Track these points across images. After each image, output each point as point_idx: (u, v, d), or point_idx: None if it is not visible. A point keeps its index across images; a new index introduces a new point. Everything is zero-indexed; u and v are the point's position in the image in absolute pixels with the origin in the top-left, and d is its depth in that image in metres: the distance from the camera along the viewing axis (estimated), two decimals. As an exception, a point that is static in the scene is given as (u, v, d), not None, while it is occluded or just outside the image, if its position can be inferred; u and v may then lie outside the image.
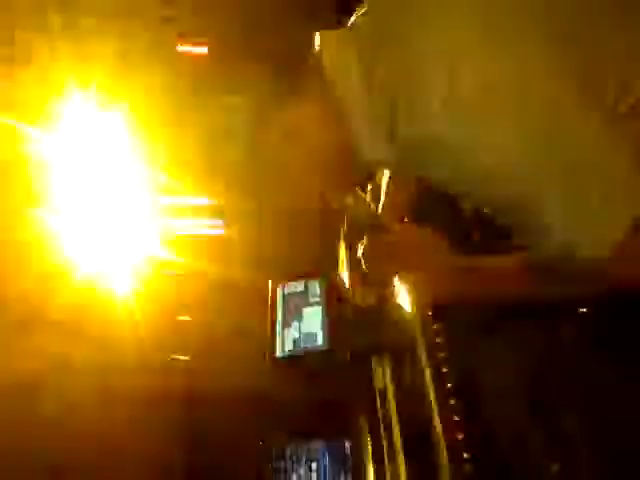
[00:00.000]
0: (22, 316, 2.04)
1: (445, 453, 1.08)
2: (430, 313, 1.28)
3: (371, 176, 1.52)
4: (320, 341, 1.67)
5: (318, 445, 1.43)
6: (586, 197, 0.77)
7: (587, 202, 0.77)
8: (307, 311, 1.75)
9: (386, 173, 1.43)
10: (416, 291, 1.18)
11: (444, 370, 1.19)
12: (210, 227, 5.39)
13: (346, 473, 1.37)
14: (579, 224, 0.78)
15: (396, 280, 1.19)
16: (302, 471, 1.40)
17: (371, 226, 1.19)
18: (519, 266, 0.96)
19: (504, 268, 1.01)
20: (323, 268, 1.88)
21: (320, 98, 0.92)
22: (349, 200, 1.16)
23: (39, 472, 1.80)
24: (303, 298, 1.78)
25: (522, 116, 0.78)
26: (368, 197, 1.48)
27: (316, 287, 1.80)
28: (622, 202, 0.77)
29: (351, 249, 1.27)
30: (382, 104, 0.86)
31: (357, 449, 1.41)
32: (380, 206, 1.42)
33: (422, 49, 0.82)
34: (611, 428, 1.07)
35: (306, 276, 1.84)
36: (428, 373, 1.16)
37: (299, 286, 1.83)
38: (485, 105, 0.79)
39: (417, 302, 1.26)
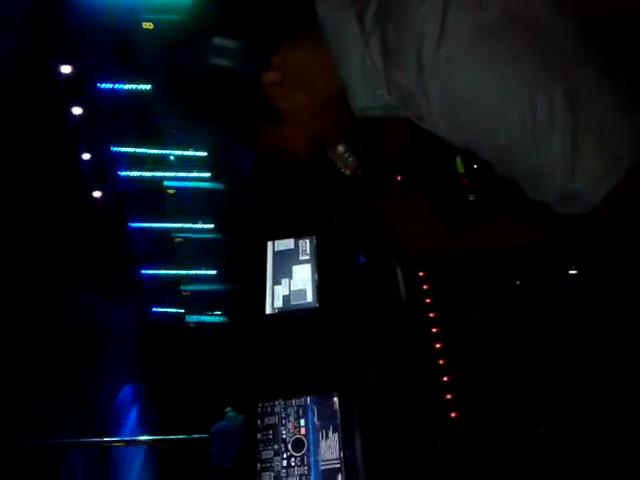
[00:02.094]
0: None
1: (434, 413, 1.09)
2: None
3: (366, 124, 1.49)
4: (310, 298, 1.67)
5: (307, 401, 1.44)
6: (584, 146, 0.78)
7: (585, 151, 0.78)
8: (297, 269, 1.74)
9: (380, 123, 1.41)
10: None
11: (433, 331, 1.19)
12: (202, 180, 5.36)
13: (335, 430, 1.39)
14: (577, 172, 0.79)
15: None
16: (291, 427, 1.42)
17: (362, 179, 1.17)
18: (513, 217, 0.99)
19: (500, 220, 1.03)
20: (314, 225, 1.86)
21: (317, 45, 0.92)
22: (340, 149, 1.14)
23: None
24: (293, 256, 1.78)
25: (523, 57, 0.78)
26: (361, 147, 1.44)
27: (306, 245, 1.79)
28: (617, 152, 0.79)
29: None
30: (376, 51, 0.86)
31: (346, 405, 1.42)
32: (374, 157, 1.40)
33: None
34: (598, 390, 1.08)
35: (297, 233, 1.83)
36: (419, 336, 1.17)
37: (289, 244, 1.82)
38: (483, 46, 0.77)
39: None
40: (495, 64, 0.78)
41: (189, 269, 5.49)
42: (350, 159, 1.13)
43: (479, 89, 0.79)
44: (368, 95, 0.93)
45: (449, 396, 1.09)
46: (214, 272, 5.57)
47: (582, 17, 0.81)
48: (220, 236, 5.30)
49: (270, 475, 1.36)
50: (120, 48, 4.16)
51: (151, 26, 4.15)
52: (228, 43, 0.88)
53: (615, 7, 0.86)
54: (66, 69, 4.17)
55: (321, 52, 0.91)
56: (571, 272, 1.23)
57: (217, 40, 0.88)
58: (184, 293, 5.49)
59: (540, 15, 0.79)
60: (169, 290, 5.41)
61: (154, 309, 5.31)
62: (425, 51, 0.79)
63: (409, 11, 0.81)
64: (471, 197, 1.35)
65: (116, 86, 4.53)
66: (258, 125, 0.97)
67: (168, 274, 5.40)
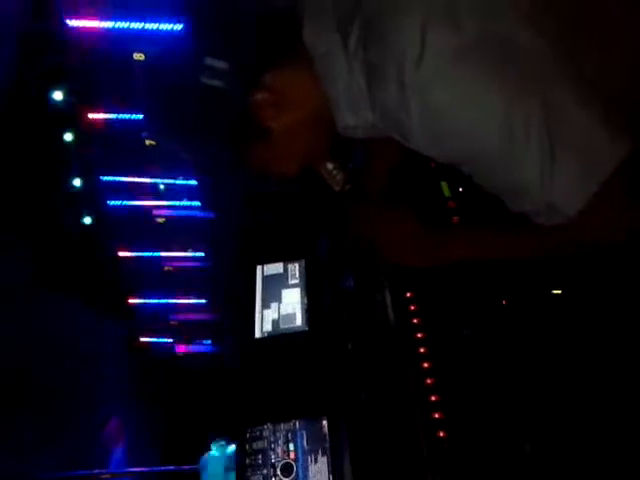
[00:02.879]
0: None
1: (421, 431, 1.09)
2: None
3: (351, 142, 1.51)
4: (299, 322, 1.68)
5: (296, 425, 1.43)
6: (560, 161, 0.81)
7: (561, 165, 0.81)
8: (286, 292, 1.75)
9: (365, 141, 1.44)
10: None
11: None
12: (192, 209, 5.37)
13: (324, 453, 1.37)
14: (555, 186, 0.82)
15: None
16: (280, 451, 1.41)
17: (350, 195, 1.19)
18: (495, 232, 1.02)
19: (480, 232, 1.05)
20: (303, 249, 1.87)
21: (304, 67, 0.95)
22: (329, 166, 1.16)
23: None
24: (282, 280, 1.78)
25: (499, 76, 0.81)
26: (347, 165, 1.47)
27: (295, 269, 1.80)
28: (593, 165, 0.81)
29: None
30: (360, 73, 0.90)
31: (335, 428, 1.41)
32: (360, 174, 1.42)
33: (393, 19, 0.84)
34: (584, 410, 1.09)
35: (286, 258, 1.84)
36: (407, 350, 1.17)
37: (278, 268, 1.82)
38: (461, 66, 0.80)
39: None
40: (471, 84, 0.81)
41: (178, 298, 5.46)
42: (338, 176, 1.16)
43: (457, 109, 0.82)
44: (354, 116, 0.96)
45: (437, 415, 1.09)
46: (203, 301, 5.54)
47: (557, 34, 0.85)
48: (210, 264, 5.30)
49: (259, 500, 1.34)
50: (111, 78, 4.21)
51: (142, 57, 4.22)
52: (218, 64, 0.91)
53: (590, 23, 0.90)
54: (57, 95, 4.21)
55: (308, 73, 0.94)
56: (555, 292, 1.25)
57: (207, 61, 0.90)
58: (172, 323, 5.46)
59: (515, 35, 0.82)
60: (158, 319, 5.37)
61: (143, 339, 5.26)
62: (406, 72, 0.82)
63: (390, 34, 0.84)
64: (456, 219, 1.38)
65: (107, 116, 4.57)
66: (247, 144, 0.99)
67: (157, 303, 5.36)
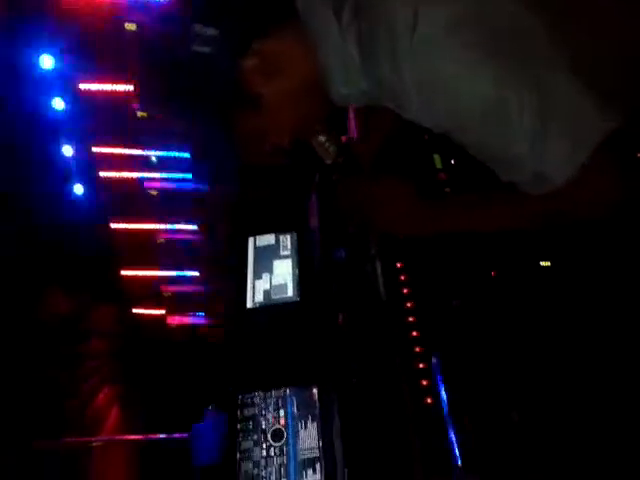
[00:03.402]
0: None
1: (409, 398, 1.11)
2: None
3: (344, 111, 1.51)
4: (290, 292, 1.69)
5: (286, 392, 1.46)
6: (552, 132, 0.83)
7: (552, 137, 0.83)
8: (278, 264, 1.76)
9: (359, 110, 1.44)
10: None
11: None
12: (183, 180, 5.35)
13: (314, 419, 1.40)
14: (544, 156, 0.84)
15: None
16: (270, 418, 1.43)
17: (342, 167, 1.19)
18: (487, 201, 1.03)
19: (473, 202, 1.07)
20: (295, 221, 1.88)
21: (297, 34, 0.95)
22: (321, 137, 1.16)
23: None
24: (274, 251, 1.79)
25: (493, 49, 0.81)
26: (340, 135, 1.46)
27: (287, 240, 1.81)
28: (583, 136, 0.83)
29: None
30: (353, 43, 0.90)
31: (325, 396, 1.44)
32: (353, 144, 1.42)
33: None
34: (571, 378, 1.12)
35: (277, 229, 1.84)
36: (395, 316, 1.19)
37: (270, 239, 1.83)
38: (454, 36, 0.81)
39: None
40: (464, 55, 0.81)
41: (171, 270, 5.47)
42: (331, 148, 1.16)
43: (449, 78, 0.83)
44: (346, 84, 0.96)
45: (425, 382, 1.11)
46: (196, 273, 5.55)
47: (550, 18, 0.85)
48: (203, 236, 5.30)
49: (249, 465, 1.37)
50: (102, 48, 4.15)
51: (134, 27, 4.15)
52: (209, 31, 0.90)
53: (580, 10, 0.90)
54: (48, 62, 4.13)
55: (301, 41, 0.94)
56: (543, 264, 1.27)
57: (198, 27, 0.90)
58: (165, 294, 5.47)
59: (509, 14, 0.83)
60: (150, 291, 5.38)
61: (135, 310, 5.28)
62: (399, 42, 0.82)
63: (383, 4, 0.84)
64: (448, 190, 1.38)
65: (98, 86, 4.51)
66: (239, 112, 0.99)
67: (149, 275, 5.37)
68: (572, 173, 0.84)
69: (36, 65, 4.12)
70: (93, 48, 4.25)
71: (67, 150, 4.51)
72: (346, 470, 1.28)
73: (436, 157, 1.49)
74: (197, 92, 0.96)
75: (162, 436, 3.24)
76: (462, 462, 1.05)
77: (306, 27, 0.93)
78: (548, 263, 1.28)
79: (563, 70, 0.83)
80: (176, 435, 3.11)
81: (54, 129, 4.37)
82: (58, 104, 4.32)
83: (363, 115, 1.37)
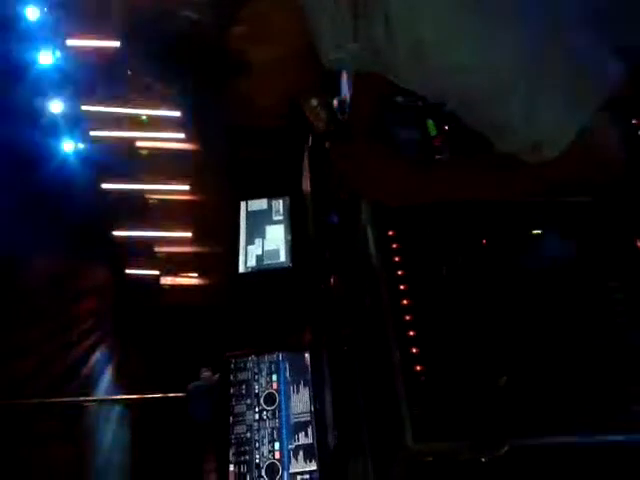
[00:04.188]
0: None
1: (399, 364, 1.13)
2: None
3: (337, 75, 1.49)
4: (283, 258, 1.70)
5: (279, 357, 1.48)
6: (546, 99, 0.82)
7: (547, 104, 0.82)
8: (270, 229, 1.76)
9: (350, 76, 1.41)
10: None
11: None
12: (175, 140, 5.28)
13: (306, 384, 1.43)
14: (540, 124, 0.83)
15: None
16: (263, 382, 1.45)
17: (334, 135, 1.18)
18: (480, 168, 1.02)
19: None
20: (287, 185, 1.87)
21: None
22: (313, 102, 1.14)
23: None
24: (266, 216, 1.79)
25: (486, 12, 0.80)
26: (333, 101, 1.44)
27: (279, 205, 1.81)
28: (577, 106, 0.82)
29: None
30: (345, 5, 0.88)
31: (317, 361, 1.46)
32: (346, 110, 1.40)
33: None
34: (560, 346, 1.13)
35: (270, 194, 1.84)
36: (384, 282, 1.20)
37: (262, 204, 1.83)
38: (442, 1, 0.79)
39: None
40: (457, 18, 0.79)
41: (163, 231, 5.45)
42: (323, 113, 1.14)
43: (442, 44, 0.81)
44: (338, 48, 0.93)
45: (415, 350, 1.13)
46: (189, 234, 5.54)
47: None
48: (195, 197, 5.26)
49: (243, 428, 1.40)
50: (90, 3, 4.03)
51: (121, -20, 4.01)
52: None
53: None
54: (34, 13, 4.00)
55: (289, 6, 0.91)
56: (534, 232, 1.27)
57: None
58: (158, 255, 5.46)
59: None
60: (143, 252, 5.37)
61: (128, 271, 5.28)
62: (391, 5, 0.80)
63: None
64: (440, 157, 1.37)
65: (86, 42, 4.40)
66: (230, 79, 0.97)
67: (142, 236, 5.35)
68: (570, 139, 0.82)
69: (22, 17, 3.99)
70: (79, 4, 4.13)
71: (56, 106, 4.41)
72: (335, 433, 1.32)
73: (430, 123, 1.47)
74: (185, 59, 0.94)
75: (158, 395, 3.28)
76: (451, 428, 1.07)
77: None
78: (539, 231, 1.28)
79: (557, 32, 0.81)
80: (171, 394, 3.14)
81: (42, 83, 4.27)
82: (45, 58, 4.20)
83: (355, 80, 1.35)
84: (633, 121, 1.41)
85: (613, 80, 0.81)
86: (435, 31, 0.81)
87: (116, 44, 4.42)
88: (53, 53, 4.32)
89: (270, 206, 1.81)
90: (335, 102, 1.42)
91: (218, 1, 0.89)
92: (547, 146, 0.85)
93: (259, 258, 1.71)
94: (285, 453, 1.35)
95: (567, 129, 0.83)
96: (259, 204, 1.83)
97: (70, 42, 4.37)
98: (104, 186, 5.06)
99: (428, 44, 0.82)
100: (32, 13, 3.97)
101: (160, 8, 0.91)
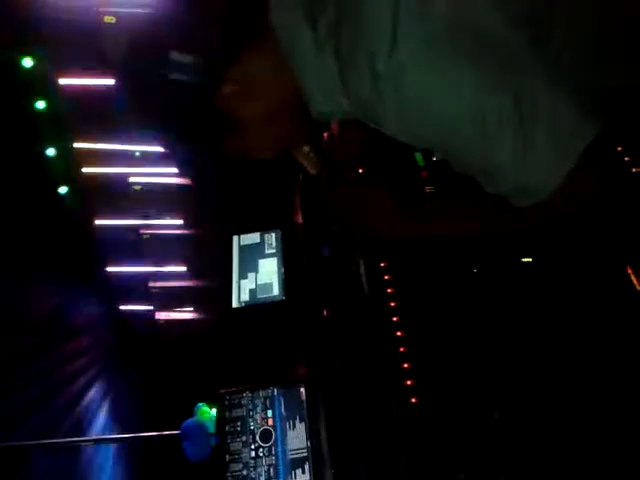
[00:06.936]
0: None
1: (394, 397, 1.12)
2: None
3: (326, 125, 1.50)
4: (276, 291, 1.69)
5: (274, 392, 1.47)
6: (534, 145, 0.82)
7: (535, 149, 0.82)
8: (263, 262, 1.76)
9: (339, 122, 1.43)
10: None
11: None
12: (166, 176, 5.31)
13: (302, 419, 1.41)
14: (528, 169, 0.84)
15: None
16: (258, 418, 1.44)
17: (328, 174, 1.19)
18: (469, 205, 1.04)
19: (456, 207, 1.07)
20: (279, 219, 1.88)
21: (273, 53, 0.93)
22: (305, 149, 1.16)
23: None
24: (259, 250, 1.79)
25: (472, 63, 0.81)
26: (323, 146, 1.46)
27: (272, 238, 1.81)
28: (566, 148, 0.83)
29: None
30: (331, 59, 0.89)
31: (312, 395, 1.45)
32: (334, 154, 1.42)
33: (366, 5, 0.83)
34: (553, 375, 1.13)
35: (262, 227, 1.84)
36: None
37: (255, 237, 1.83)
38: (433, 53, 0.80)
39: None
40: (445, 71, 0.81)
41: (157, 266, 5.44)
42: (315, 158, 1.16)
43: (430, 96, 0.82)
44: (326, 101, 0.94)
45: (409, 382, 1.12)
46: (183, 269, 5.52)
47: (530, 22, 0.85)
48: (188, 232, 5.27)
49: (239, 466, 1.38)
50: (81, 42, 4.09)
51: (113, 20, 4.08)
52: (186, 59, 0.89)
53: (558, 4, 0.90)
54: (27, 62, 4.06)
55: (278, 61, 0.92)
56: (525, 260, 1.28)
57: (174, 55, 0.89)
58: (153, 290, 5.44)
59: (487, 25, 0.82)
60: (137, 287, 5.35)
61: (122, 307, 5.25)
62: (378, 60, 0.81)
63: (362, 22, 0.83)
64: (429, 189, 1.39)
65: (79, 81, 4.45)
66: (222, 137, 0.98)
67: (135, 271, 5.34)
68: (556, 185, 0.83)
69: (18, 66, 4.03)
70: (71, 42, 4.19)
71: (50, 151, 4.44)
72: (332, 471, 1.30)
73: (418, 155, 1.49)
74: (175, 118, 0.96)
75: (154, 434, 3.23)
76: (449, 461, 1.07)
77: (282, 43, 0.92)
78: (530, 259, 1.29)
79: (544, 77, 0.83)
80: (166, 433, 3.10)
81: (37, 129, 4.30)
82: (40, 104, 4.24)
83: (340, 126, 1.37)
84: (618, 148, 1.44)
85: (592, 133, 0.82)
86: (423, 80, 0.82)
87: (110, 82, 4.48)
88: (47, 98, 4.36)
89: (263, 239, 1.82)
90: (325, 136, 1.44)
91: (206, 62, 0.91)
92: (535, 190, 0.86)
93: (252, 292, 1.71)
94: (282, 491, 1.33)
95: (555, 174, 0.83)
96: (251, 238, 1.83)
97: (63, 82, 4.42)
98: (98, 222, 5.07)
99: (416, 93, 0.83)
100: (27, 62, 4.02)
101: (150, 68, 0.92)
